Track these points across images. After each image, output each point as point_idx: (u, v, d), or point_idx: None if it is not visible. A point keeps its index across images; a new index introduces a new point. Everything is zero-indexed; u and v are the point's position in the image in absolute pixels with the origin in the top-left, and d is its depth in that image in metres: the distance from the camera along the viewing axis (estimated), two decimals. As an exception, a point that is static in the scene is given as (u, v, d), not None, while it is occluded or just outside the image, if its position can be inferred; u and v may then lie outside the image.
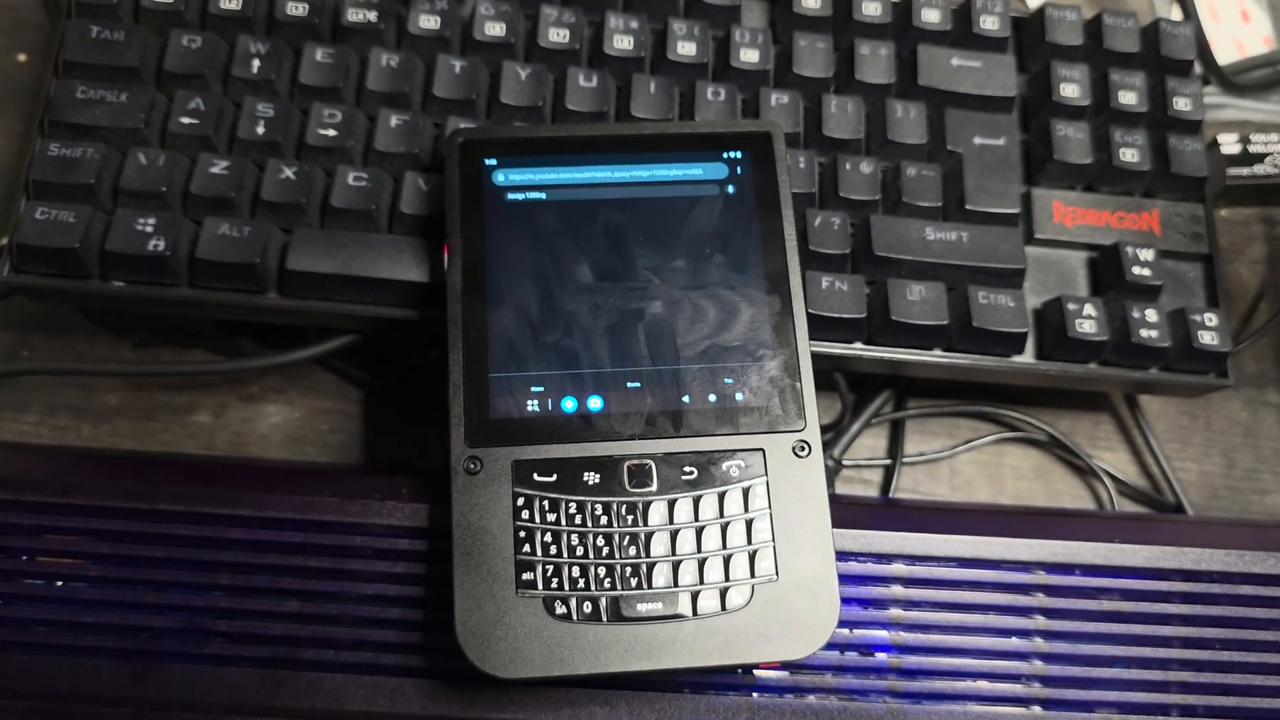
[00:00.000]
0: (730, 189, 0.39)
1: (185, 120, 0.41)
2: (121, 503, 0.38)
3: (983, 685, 0.37)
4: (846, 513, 0.36)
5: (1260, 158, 0.51)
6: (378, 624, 0.37)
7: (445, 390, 0.36)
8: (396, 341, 0.46)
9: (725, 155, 0.39)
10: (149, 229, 0.40)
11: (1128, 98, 0.45)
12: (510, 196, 0.38)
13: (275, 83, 0.42)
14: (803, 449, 0.36)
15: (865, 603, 0.38)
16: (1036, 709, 0.37)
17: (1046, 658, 0.38)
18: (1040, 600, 0.38)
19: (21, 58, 0.53)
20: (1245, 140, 0.51)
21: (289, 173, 0.41)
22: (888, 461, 0.47)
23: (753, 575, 0.34)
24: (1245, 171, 0.51)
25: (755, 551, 0.35)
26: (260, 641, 0.37)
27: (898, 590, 0.38)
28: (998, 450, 0.48)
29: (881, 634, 0.38)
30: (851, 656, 0.37)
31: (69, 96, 0.41)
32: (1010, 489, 0.47)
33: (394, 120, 0.42)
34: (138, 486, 0.38)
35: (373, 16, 0.43)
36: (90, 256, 0.40)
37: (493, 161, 0.39)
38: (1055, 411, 0.48)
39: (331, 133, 0.41)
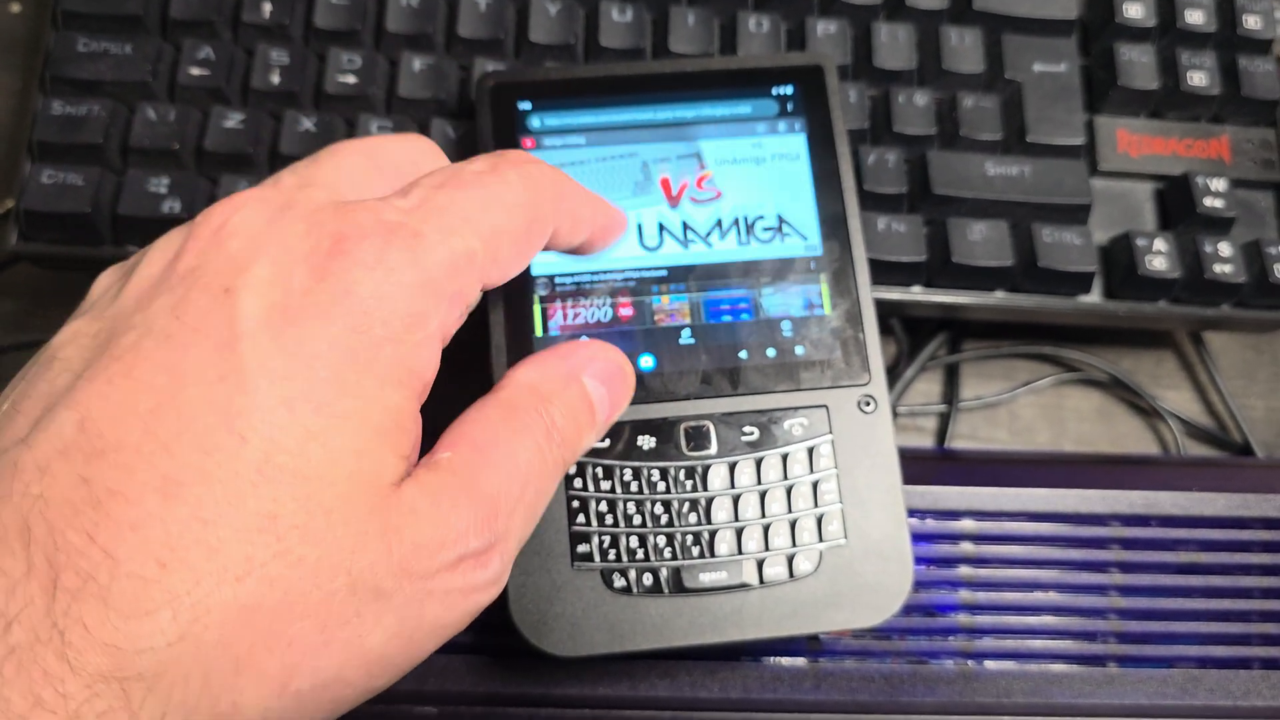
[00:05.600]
0: (780, 127, 0.36)
1: (195, 71, 0.39)
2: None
3: (1057, 643, 0.36)
4: (911, 467, 0.34)
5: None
6: (424, 598, 0.35)
7: (488, 353, 0.34)
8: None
9: (774, 91, 0.37)
10: (163, 190, 0.37)
11: (1194, 16, 0.42)
12: (547, 142, 0.36)
13: (289, 27, 0.39)
14: (868, 404, 0.34)
15: (933, 561, 0.36)
16: (1113, 666, 0.36)
17: (1123, 613, 0.36)
18: (1116, 554, 0.36)
19: (15, 8, 0.50)
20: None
21: (309, 124, 0.38)
22: (944, 407, 0.45)
23: (820, 540, 0.33)
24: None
25: (822, 515, 0.33)
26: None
27: (967, 547, 0.36)
28: (1058, 392, 0.46)
29: (951, 593, 0.36)
30: (919, 618, 0.36)
31: (70, 50, 0.39)
32: (1073, 432, 0.45)
33: (417, 64, 0.39)
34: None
35: (389, -48, 0.40)
36: (103, 220, 0.38)
37: (527, 105, 0.36)
38: (1116, 350, 0.46)
39: (351, 79, 0.39)
